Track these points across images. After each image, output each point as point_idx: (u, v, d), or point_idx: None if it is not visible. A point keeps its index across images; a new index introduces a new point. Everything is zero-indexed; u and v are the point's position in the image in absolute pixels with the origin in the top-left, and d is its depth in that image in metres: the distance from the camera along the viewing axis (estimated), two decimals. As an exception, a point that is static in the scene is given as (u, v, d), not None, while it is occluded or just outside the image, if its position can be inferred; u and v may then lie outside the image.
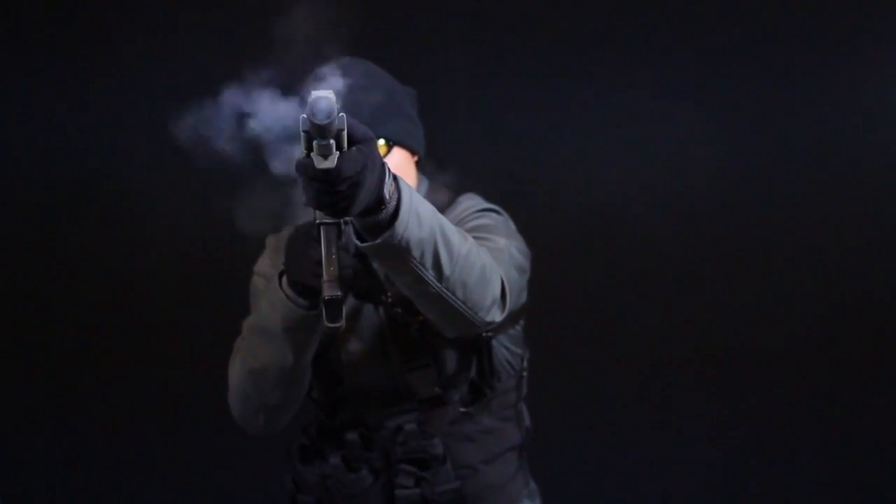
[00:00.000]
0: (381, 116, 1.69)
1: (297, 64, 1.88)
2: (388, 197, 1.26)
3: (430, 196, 1.78)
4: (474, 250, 1.44)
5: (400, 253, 1.31)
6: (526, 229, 1.84)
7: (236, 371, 1.66)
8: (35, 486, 3.27)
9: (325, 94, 1.11)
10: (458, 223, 1.69)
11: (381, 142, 1.69)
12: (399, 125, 1.73)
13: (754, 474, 3.13)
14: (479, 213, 1.74)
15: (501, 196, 1.93)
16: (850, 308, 3.06)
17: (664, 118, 3.04)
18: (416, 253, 1.33)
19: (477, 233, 1.64)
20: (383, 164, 1.25)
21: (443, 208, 1.72)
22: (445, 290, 1.40)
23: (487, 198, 1.84)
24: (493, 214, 1.76)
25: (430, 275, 1.37)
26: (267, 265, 1.80)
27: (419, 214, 1.31)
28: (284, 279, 1.55)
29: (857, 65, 2.99)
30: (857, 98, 3.01)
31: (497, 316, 1.50)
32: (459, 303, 1.43)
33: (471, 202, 1.78)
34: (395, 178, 1.29)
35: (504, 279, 1.52)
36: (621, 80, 3.06)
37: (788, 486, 3.12)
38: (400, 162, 1.72)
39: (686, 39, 3.02)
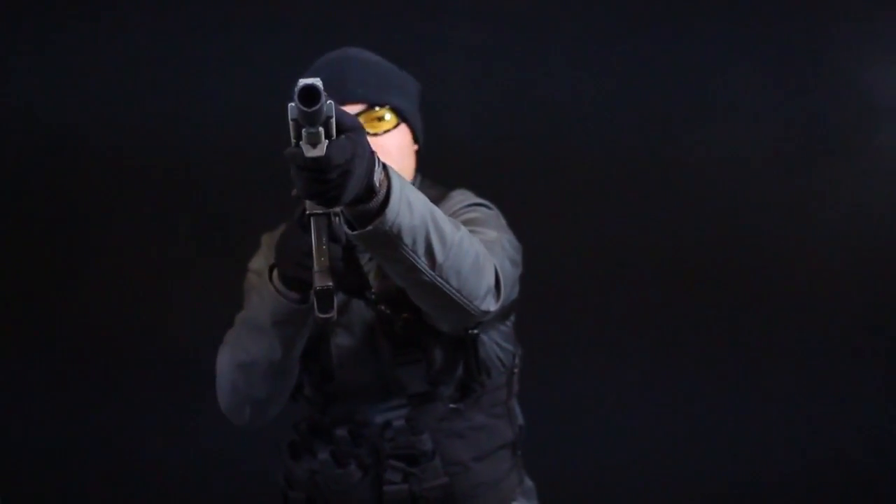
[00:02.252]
0: (391, 88, 1.72)
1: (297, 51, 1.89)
2: (377, 185, 1.27)
3: (422, 190, 1.75)
4: (467, 238, 1.44)
5: (392, 240, 1.31)
6: (517, 226, 1.83)
7: (225, 363, 1.65)
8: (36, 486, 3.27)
9: (313, 81, 1.11)
10: (450, 216, 1.67)
11: (389, 116, 1.70)
12: (407, 103, 1.75)
13: (757, 475, 3.13)
14: (470, 207, 1.74)
15: (494, 191, 1.93)
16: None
17: (654, 110, 3.06)
18: (407, 240, 1.33)
19: (468, 226, 1.63)
20: (372, 153, 1.25)
21: (434, 202, 1.71)
22: (439, 279, 1.40)
23: (478, 192, 1.83)
24: (484, 209, 1.75)
25: (422, 262, 1.37)
26: (261, 263, 1.79)
27: (410, 202, 1.31)
28: (275, 273, 1.56)
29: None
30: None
31: (492, 305, 1.49)
32: (454, 291, 1.42)
33: (462, 196, 1.78)
34: (384, 166, 1.29)
35: (498, 268, 1.51)
36: (623, 81, 3.08)
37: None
38: (403, 143, 1.73)
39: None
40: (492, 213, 1.75)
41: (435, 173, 1.88)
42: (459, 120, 3.06)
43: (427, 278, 1.39)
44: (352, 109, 1.67)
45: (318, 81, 1.11)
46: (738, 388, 3.10)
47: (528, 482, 1.92)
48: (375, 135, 1.68)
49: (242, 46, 3.06)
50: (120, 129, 3.15)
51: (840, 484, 3.11)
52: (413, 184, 1.77)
